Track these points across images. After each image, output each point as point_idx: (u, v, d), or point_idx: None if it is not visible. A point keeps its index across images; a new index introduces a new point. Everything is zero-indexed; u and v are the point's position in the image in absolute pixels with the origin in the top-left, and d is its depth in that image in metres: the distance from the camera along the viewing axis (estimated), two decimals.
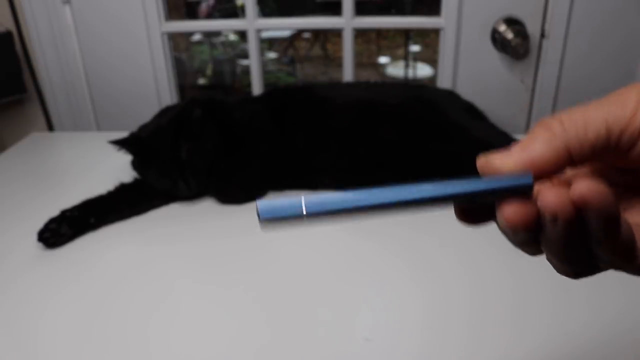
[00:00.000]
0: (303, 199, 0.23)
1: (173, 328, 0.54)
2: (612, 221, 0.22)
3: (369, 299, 0.57)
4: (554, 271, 0.26)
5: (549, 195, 0.22)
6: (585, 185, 0.21)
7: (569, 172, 0.27)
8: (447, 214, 0.27)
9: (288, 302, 0.57)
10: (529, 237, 0.24)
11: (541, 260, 0.27)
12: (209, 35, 2.88)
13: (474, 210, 0.26)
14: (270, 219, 0.23)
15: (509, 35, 0.97)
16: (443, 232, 0.67)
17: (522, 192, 0.23)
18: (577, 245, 0.23)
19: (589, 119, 0.23)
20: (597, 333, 0.51)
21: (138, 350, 0.51)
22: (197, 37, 2.89)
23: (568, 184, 0.22)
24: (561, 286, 0.55)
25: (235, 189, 0.80)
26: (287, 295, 0.58)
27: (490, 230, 0.28)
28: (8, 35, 1.07)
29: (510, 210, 0.23)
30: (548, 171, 0.23)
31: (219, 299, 0.58)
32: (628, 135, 0.23)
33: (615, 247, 0.23)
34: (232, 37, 2.96)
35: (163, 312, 0.57)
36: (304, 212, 0.23)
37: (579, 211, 0.22)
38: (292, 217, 0.23)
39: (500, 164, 0.24)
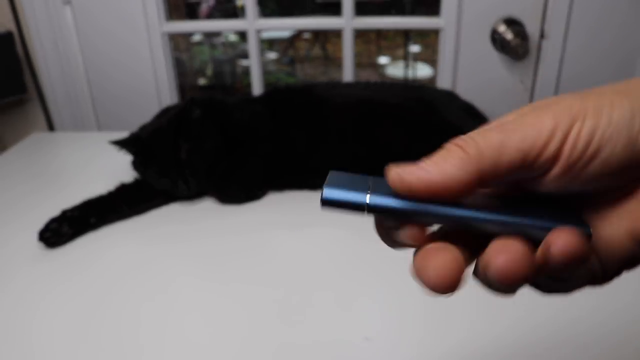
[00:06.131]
0: (368, 197, 0.23)
1: (174, 327, 0.54)
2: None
3: (369, 298, 0.57)
4: None
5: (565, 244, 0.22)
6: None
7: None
8: None
9: (288, 301, 0.57)
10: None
11: None
12: (209, 35, 2.88)
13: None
14: (330, 202, 0.23)
15: (509, 35, 0.97)
16: None
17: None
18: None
19: (505, 144, 0.22)
20: (600, 332, 0.51)
21: (138, 349, 0.51)
22: (197, 38, 2.89)
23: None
24: None
25: (235, 189, 0.80)
26: (287, 295, 0.58)
27: None
28: (9, 35, 1.07)
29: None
30: (457, 193, 0.23)
31: (219, 298, 0.58)
32: (541, 163, 0.23)
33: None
34: (233, 37, 2.95)
35: (164, 311, 0.57)
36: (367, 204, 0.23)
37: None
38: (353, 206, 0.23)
39: (411, 179, 0.23)
